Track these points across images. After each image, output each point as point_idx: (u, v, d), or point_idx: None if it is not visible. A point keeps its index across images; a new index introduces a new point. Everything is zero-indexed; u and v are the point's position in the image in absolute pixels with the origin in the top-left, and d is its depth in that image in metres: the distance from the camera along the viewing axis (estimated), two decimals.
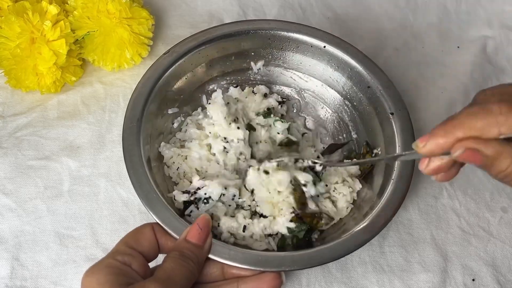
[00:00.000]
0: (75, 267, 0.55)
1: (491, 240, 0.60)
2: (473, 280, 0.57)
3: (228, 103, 0.60)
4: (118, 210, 0.58)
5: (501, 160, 0.39)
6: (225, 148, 0.57)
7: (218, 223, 0.54)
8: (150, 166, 0.54)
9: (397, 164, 0.54)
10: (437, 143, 0.40)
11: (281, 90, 0.66)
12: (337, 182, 0.58)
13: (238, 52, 0.63)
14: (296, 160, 0.56)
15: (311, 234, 0.55)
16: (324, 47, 0.62)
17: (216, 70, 0.64)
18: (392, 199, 0.53)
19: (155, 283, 0.41)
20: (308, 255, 0.49)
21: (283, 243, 0.55)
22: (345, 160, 0.61)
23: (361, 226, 0.51)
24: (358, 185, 0.58)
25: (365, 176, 0.59)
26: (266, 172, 0.55)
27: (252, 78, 0.65)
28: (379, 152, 0.59)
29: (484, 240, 0.60)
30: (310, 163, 0.56)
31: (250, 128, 0.60)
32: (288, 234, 0.54)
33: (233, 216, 0.54)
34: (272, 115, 0.62)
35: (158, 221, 0.49)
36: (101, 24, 0.63)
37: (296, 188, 0.55)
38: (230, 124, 0.57)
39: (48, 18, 0.61)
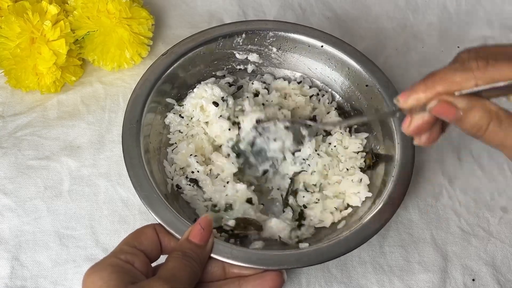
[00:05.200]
0: (75, 267, 0.55)
1: (491, 240, 0.60)
2: (473, 280, 0.57)
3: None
4: (118, 210, 0.58)
5: (473, 113, 0.40)
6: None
7: None
8: (150, 167, 0.54)
9: (397, 164, 0.55)
10: (418, 97, 0.41)
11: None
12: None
13: (236, 53, 0.63)
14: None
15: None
16: (322, 46, 0.62)
17: (214, 70, 0.63)
18: (392, 199, 0.53)
19: (160, 282, 0.41)
20: (310, 253, 0.49)
21: None
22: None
23: (361, 225, 0.51)
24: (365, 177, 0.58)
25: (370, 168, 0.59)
26: None
27: (250, 78, 0.65)
28: (379, 151, 0.59)
29: (484, 240, 0.60)
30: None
31: None
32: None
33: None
34: None
35: (159, 221, 0.49)
36: (101, 24, 0.63)
37: None
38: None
39: (48, 18, 0.61)
